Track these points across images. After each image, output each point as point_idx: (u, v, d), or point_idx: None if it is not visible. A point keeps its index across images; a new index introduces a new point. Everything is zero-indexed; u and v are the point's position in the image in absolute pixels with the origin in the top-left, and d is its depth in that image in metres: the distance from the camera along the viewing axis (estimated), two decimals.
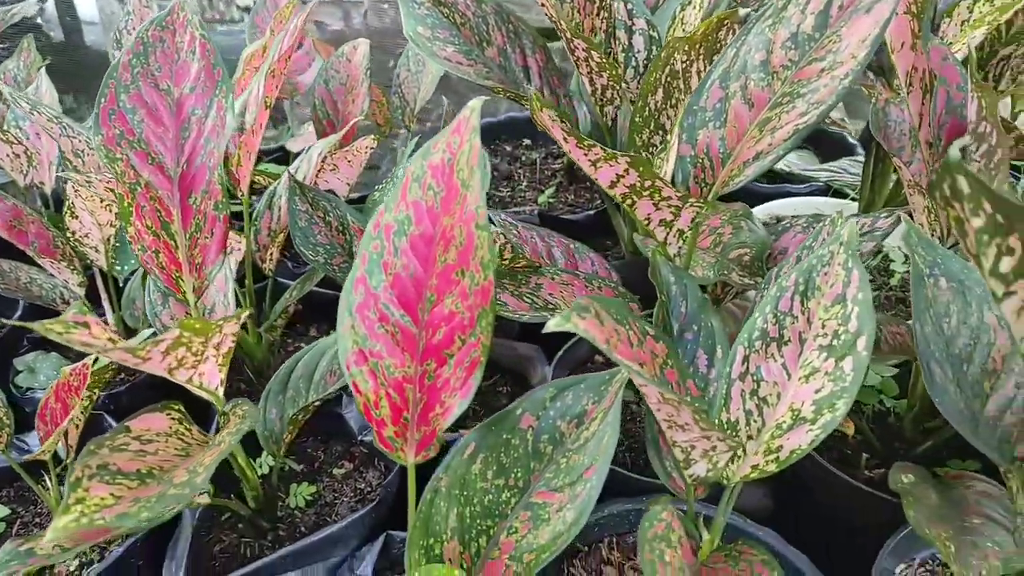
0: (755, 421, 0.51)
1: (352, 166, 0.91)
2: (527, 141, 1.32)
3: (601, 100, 0.84)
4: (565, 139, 0.51)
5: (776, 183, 1.13)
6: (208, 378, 0.50)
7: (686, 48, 0.69)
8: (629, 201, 0.56)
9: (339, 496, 0.72)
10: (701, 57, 0.70)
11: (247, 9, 3.00)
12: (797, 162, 1.19)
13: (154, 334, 0.56)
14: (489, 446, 0.48)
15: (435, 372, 0.43)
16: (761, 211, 1.01)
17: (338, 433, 0.78)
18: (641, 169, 0.51)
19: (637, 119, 0.76)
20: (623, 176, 0.53)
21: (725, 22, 0.66)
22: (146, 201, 0.53)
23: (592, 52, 0.76)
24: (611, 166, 0.52)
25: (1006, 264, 0.32)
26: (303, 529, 0.68)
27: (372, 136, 0.86)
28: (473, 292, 0.41)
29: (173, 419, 0.48)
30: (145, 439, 0.44)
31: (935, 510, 0.57)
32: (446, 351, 0.42)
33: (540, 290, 0.63)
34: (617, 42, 0.87)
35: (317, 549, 0.63)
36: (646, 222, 0.59)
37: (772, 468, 0.49)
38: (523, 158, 1.27)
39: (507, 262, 0.64)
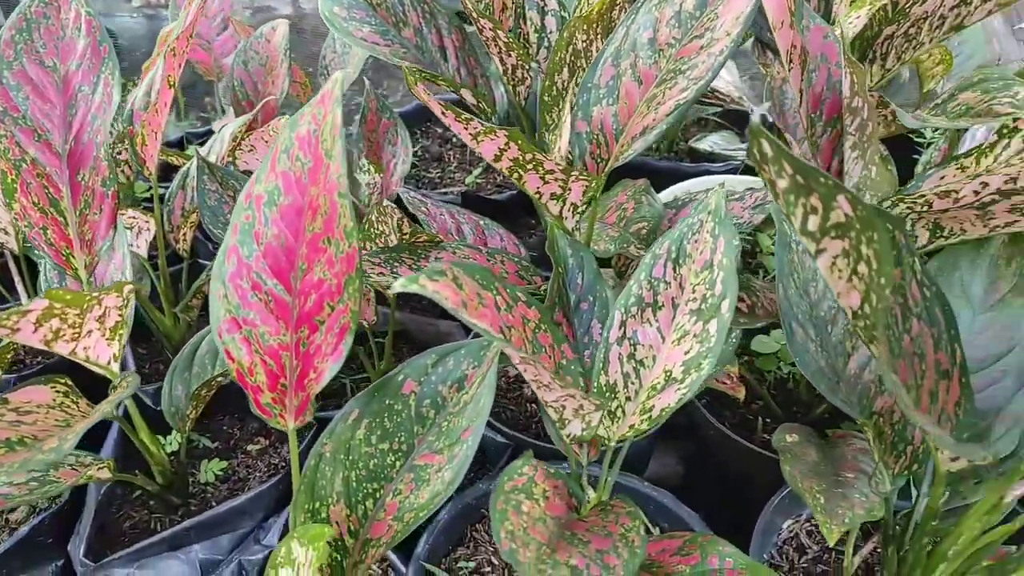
0: (633, 383, 0.54)
1: (270, 146, 0.91)
2: None
3: (513, 80, 0.86)
4: (443, 113, 0.53)
5: (699, 163, 1.16)
6: (97, 352, 0.51)
7: (585, 28, 0.71)
8: (516, 175, 0.58)
9: (253, 471, 0.73)
10: (599, 36, 0.71)
11: None
12: (720, 142, 1.22)
13: None
14: (373, 412, 0.50)
15: (308, 339, 0.44)
16: (679, 189, 1.04)
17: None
18: (519, 142, 0.53)
19: (546, 98, 0.78)
20: (505, 149, 0.54)
21: (617, 2, 0.68)
22: (32, 178, 0.53)
23: (498, 32, 0.77)
24: (492, 140, 0.53)
25: (813, 223, 0.34)
26: (215, 504, 0.69)
27: (287, 117, 0.87)
28: (339, 259, 0.42)
29: (58, 392, 0.49)
30: (23, 411, 0.45)
31: (813, 466, 0.60)
32: (317, 318, 0.44)
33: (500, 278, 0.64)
34: (529, 23, 0.89)
35: (224, 521, 0.64)
36: (537, 196, 0.61)
37: (645, 427, 0.52)
38: (454, 139, 1.29)
39: (407, 236, 0.65)
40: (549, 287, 0.63)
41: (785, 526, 0.68)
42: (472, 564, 0.63)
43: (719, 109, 1.10)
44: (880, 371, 0.35)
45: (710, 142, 1.21)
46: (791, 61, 0.64)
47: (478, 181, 1.17)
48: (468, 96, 0.90)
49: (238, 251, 0.44)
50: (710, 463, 0.84)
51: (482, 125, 0.52)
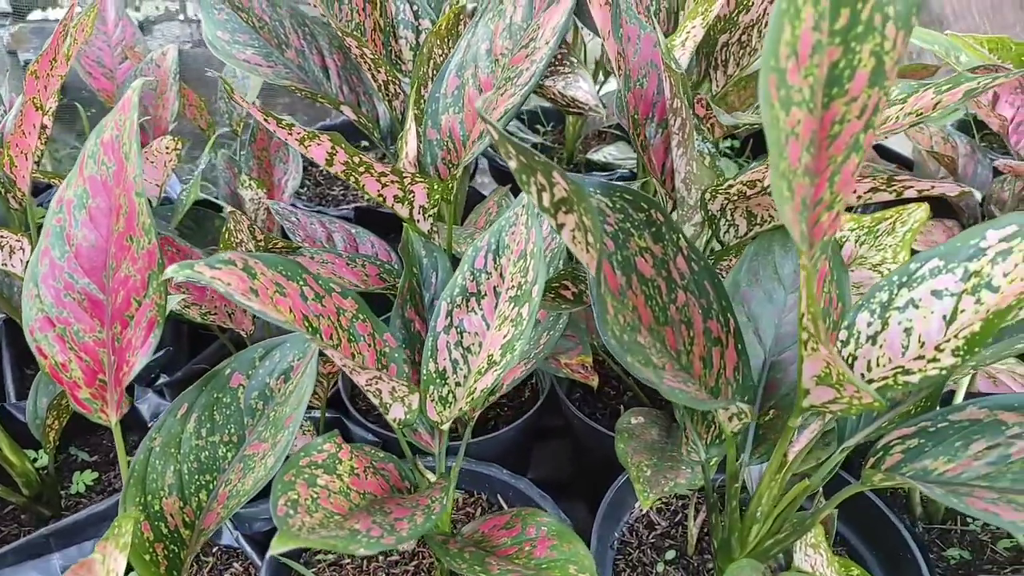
0: (461, 369, 0.57)
1: (156, 168, 0.93)
2: (364, 143, 1.36)
3: (387, 95, 0.89)
4: (265, 119, 0.56)
5: (591, 172, 1.21)
6: None
7: (439, 43, 0.75)
8: (353, 179, 0.61)
9: None
10: (451, 49, 0.75)
11: (141, 27, 2.94)
12: (615, 153, 1.27)
13: None
14: (202, 405, 0.52)
15: (121, 334, 0.47)
16: None
17: (132, 424, 0.81)
18: (344, 147, 0.56)
19: (415, 111, 0.82)
20: (333, 153, 0.57)
21: (460, 16, 0.72)
22: None
23: (364, 50, 0.81)
24: (318, 144, 0.56)
25: (546, 199, 0.38)
26: None
27: (170, 137, 0.89)
28: (141, 256, 0.45)
29: None
30: None
31: (649, 444, 0.64)
32: (127, 313, 0.46)
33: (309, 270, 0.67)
34: (404, 40, 0.92)
35: (87, 527, 0.65)
36: (380, 199, 0.64)
37: (467, 408, 0.55)
38: None
39: (261, 243, 0.68)
40: (400, 285, 0.66)
41: (636, 505, 0.71)
42: (331, 557, 0.65)
43: (616, 122, 1.15)
44: (619, 332, 0.38)
45: (605, 153, 1.26)
46: (618, 68, 0.68)
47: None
48: (349, 112, 0.94)
49: (50, 253, 0.46)
50: (585, 457, 0.87)
51: (305, 131, 0.55)
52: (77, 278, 0.46)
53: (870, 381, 0.44)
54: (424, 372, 0.56)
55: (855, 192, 0.54)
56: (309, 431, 0.73)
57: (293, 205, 1.10)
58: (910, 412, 0.50)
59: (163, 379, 0.94)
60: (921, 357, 0.41)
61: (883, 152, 1.17)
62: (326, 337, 0.48)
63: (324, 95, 0.92)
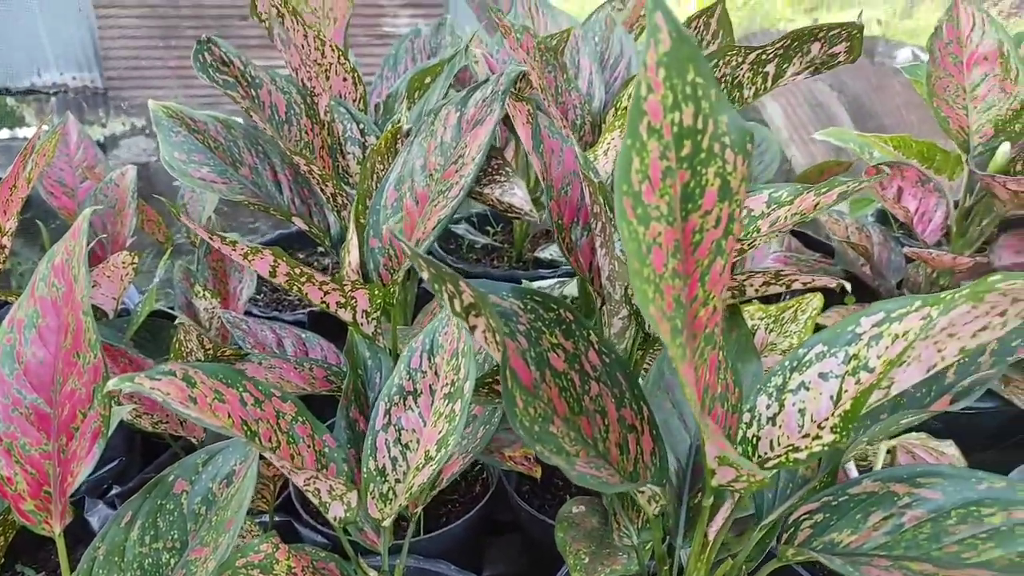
0: (400, 466, 0.59)
1: (113, 281, 0.96)
2: (320, 249, 1.41)
3: (336, 206, 0.95)
4: (211, 237, 0.60)
5: (536, 270, 1.27)
6: None
7: (379, 158, 0.81)
8: (297, 288, 0.65)
9: None
10: (391, 164, 0.81)
11: (108, 142, 3.02)
12: (559, 251, 1.34)
13: None
14: (146, 512, 0.54)
15: (67, 446, 0.49)
16: None
17: (82, 536, 0.80)
18: (285, 259, 0.60)
19: (361, 220, 0.87)
20: (276, 266, 0.62)
21: (397, 135, 0.78)
22: None
23: (312, 166, 0.87)
24: (261, 258, 0.61)
25: (457, 305, 0.42)
26: None
27: (127, 253, 0.93)
28: (87, 370, 0.48)
29: None
30: None
31: (589, 532, 0.66)
32: (72, 425, 0.49)
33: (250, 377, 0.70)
34: (351, 156, 0.99)
35: None
36: (324, 306, 0.68)
37: (406, 503, 0.57)
38: (315, 264, 1.36)
39: (210, 352, 0.71)
40: (345, 387, 0.69)
41: None
42: None
43: None
44: (529, 423, 0.42)
45: (551, 251, 1.32)
46: (543, 178, 0.74)
47: None
48: (300, 223, 0.99)
49: (0, 371, 0.49)
50: (536, 550, 0.88)
51: (248, 247, 0.60)
52: (26, 393, 0.49)
53: (769, 459, 0.47)
54: (364, 470, 0.59)
55: (752, 286, 0.59)
56: (257, 536, 0.74)
57: (248, 313, 1.13)
58: (815, 488, 0.54)
59: (115, 490, 0.94)
60: (807, 435, 0.45)
61: (808, 242, 1.25)
62: (265, 440, 0.51)
63: (277, 208, 0.98)
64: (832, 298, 1.01)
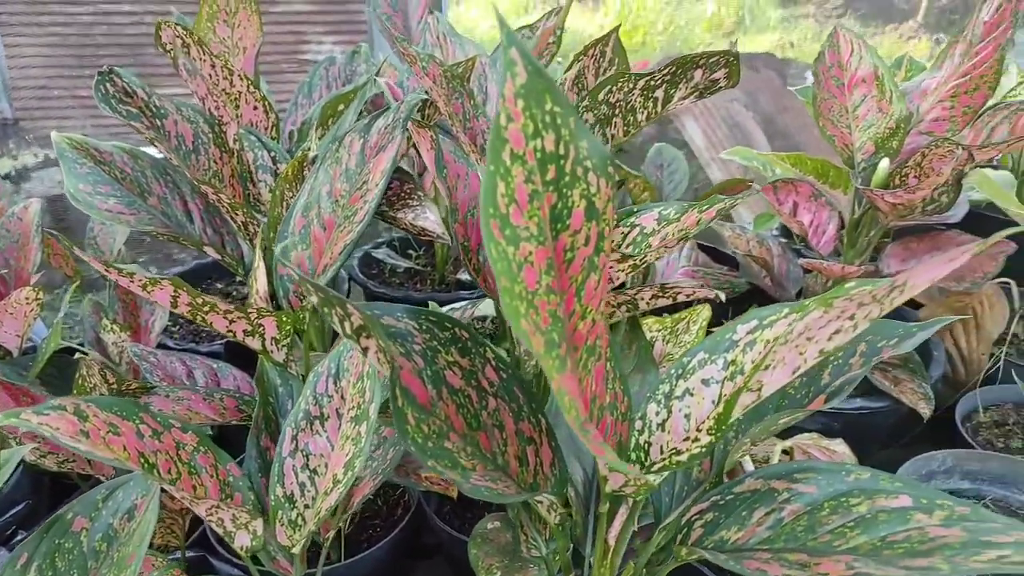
0: (309, 491, 0.60)
1: (16, 318, 0.93)
2: (238, 279, 1.39)
3: (247, 234, 0.95)
4: (107, 270, 0.60)
5: (457, 291, 1.28)
6: None
7: (287, 186, 0.82)
8: (200, 318, 0.65)
9: None
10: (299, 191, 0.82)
11: (19, 175, 2.91)
12: None
13: None
14: (43, 553, 0.53)
15: None
16: None
17: None
18: (186, 289, 0.60)
19: (272, 247, 0.87)
20: (176, 296, 0.62)
21: (303, 162, 0.79)
22: None
23: (220, 196, 0.87)
24: (160, 289, 0.61)
25: (348, 327, 0.43)
26: None
27: (30, 288, 0.90)
28: None
29: None
30: None
31: (503, 547, 0.67)
32: None
33: (149, 408, 0.69)
34: (263, 183, 0.99)
35: None
36: (231, 334, 0.68)
37: (313, 528, 0.57)
38: (234, 293, 1.35)
39: (114, 386, 0.70)
40: (255, 415, 0.69)
41: None
42: None
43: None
44: (422, 440, 0.43)
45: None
46: (449, 202, 0.76)
47: None
48: (212, 252, 0.98)
49: None
50: (461, 570, 0.88)
51: (146, 277, 0.59)
52: None
53: (655, 463, 0.50)
54: (272, 497, 0.59)
55: (643, 299, 0.62)
56: (158, 569, 0.72)
57: (162, 345, 1.11)
58: (706, 488, 0.57)
59: (20, 536, 0.90)
60: (688, 438, 0.48)
61: (717, 256, 1.30)
62: (164, 472, 0.50)
63: (187, 238, 0.97)
64: (740, 309, 1.06)
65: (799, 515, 0.50)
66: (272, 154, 1.00)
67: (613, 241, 0.70)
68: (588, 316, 0.43)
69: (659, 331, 0.71)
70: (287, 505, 0.59)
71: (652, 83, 0.74)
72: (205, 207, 1.01)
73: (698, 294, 0.59)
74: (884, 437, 1.06)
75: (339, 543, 0.83)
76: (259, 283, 0.72)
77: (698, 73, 0.71)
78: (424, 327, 0.49)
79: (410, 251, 1.49)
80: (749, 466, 0.72)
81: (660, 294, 0.60)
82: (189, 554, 0.75)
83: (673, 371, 0.53)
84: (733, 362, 0.50)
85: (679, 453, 0.48)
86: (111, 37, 2.73)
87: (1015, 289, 1.15)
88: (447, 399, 0.49)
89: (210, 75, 0.96)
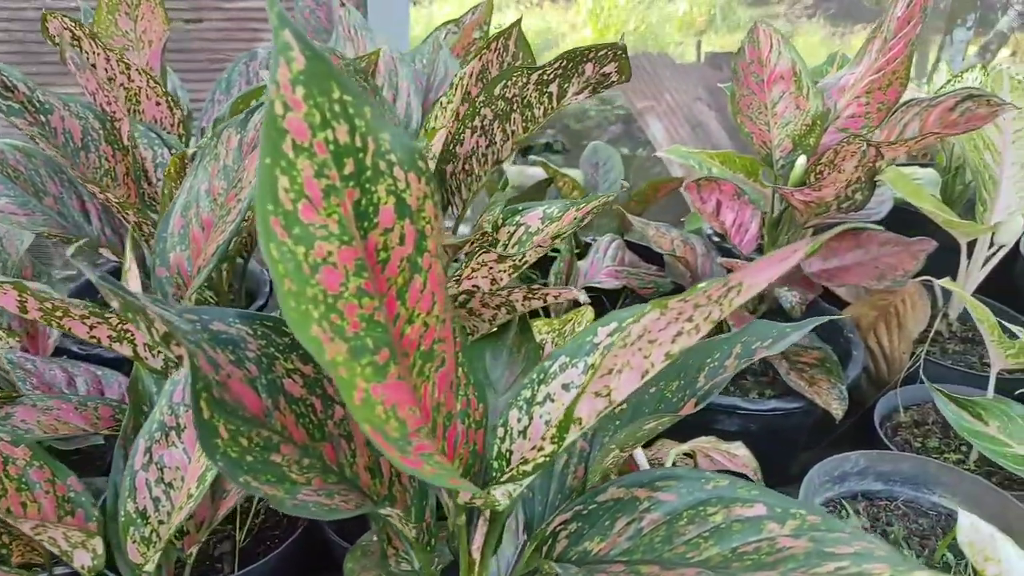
0: (164, 506, 0.56)
1: None
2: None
3: (142, 234, 0.91)
4: None
5: None
6: None
7: (174, 185, 0.78)
8: (56, 324, 0.61)
9: None
10: None
11: None
12: None
13: None
14: None
15: None
16: None
17: None
18: (31, 293, 0.57)
19: (135, 251, 0.84)
20: (24, 301, 0.58)
21: (184, 159, 0.76)
22: None
23: (108, 194, 0.83)
24: (4, 294, 0.57)
25: (155, 333, 0.40)
26: None
27: None
28: None
29: None
30: None
31: (380, 561, 0.65)
32: None
33: (11, 418, 0.65)
34: (161, 182, 0.95)
35: None
36: (96, 340, 0.65)
37: (173, 543, 0.54)
38: None
39: None
40: (124, 424, 0.65)
41: None
42: None
43: None
44: (239, 454, 0.41)
45: None
46: None
47: None
48: (109, 254, 0.94)
49: None
50: None
51: None
52: None
53: (504, 474, 0.47)
54: (123, 513, 0.56)
55: (517, 300, 0.60)
56: None
57: (65, 350, 1.06)
58: (572, 498, 0.54)
59: None
60: (535, 447, 0.46)
61: (648, 255, 1.29)
62: None
63: (84, 238, 0.93)
64: None
65: (658, 525, 0.48)
66: (173, 151, 0.96)
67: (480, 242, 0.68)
68: (417, 320, 0.40)
69: (548, 333, 0.69)
70: (140, 521, 0.55)
71: (545, 77, 0.71)
72: (104, 207, 0.97)
73: (565, 295, 0.57)
74: (804, 437, 1.05)
75: (233, 557, 0.80)
76: (131, 286, 0.68)
77: (589, 67, 0.69)
78: (259, 332, 0.46)
79: None
80: (642, 459, 0.70)
81: (530, 295, 0.58)
82: (59, 571, 0.71)
83: (535, 376, 0.51)
84: (593, 366, 0.48)
85: (526, 463, 0.46)
86: (6, 33, 2.64)
87: (937, 287, 1.15)
88: (285, 409, 0.46)
89: (106, 69, 0.92)
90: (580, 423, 0.45)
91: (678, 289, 1.12)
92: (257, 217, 0.32)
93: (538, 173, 1.47)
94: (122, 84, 0.93)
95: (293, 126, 0.32)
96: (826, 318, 0.55)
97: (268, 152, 0.32)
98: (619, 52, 0.66)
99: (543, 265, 1.35)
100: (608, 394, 0.45)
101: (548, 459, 0.44)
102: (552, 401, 0.49)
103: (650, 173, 2.74)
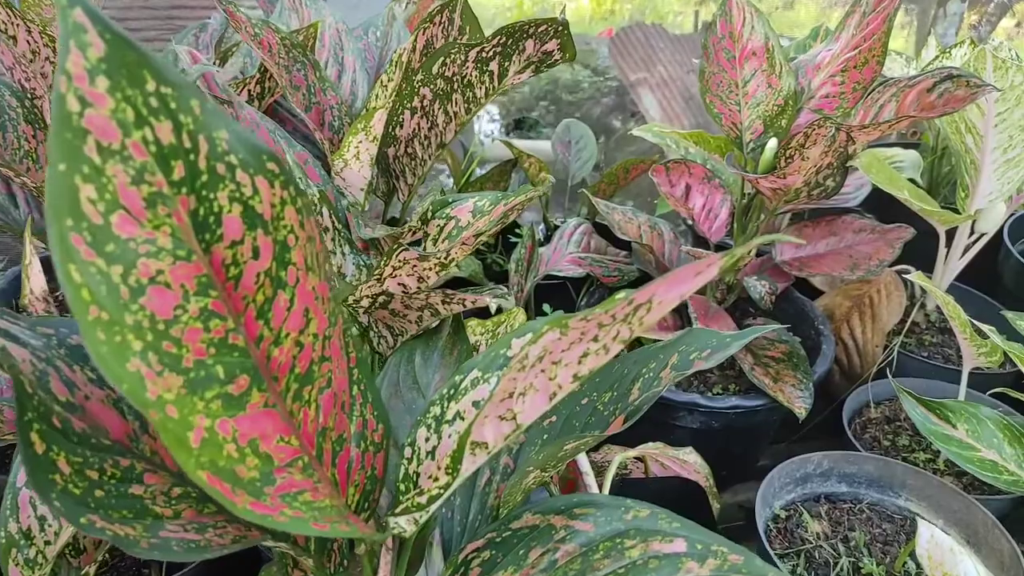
0: (51, 525, 0.52)
1: None
2: None
3: None
4: None
5: None
6: None
7: None
8: None
9: None
10: None
11: None
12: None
13: None
14: None
15: None
16: None
17: None
18: None
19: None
20: None
21: None
22: None
23: (24, 178, 0.78)
24: None
25: None
26: None
27: None
28: None
29: None
30: None
31: None
32: None
33: None
34: None
35: None
36: None
37: (47, 568, 0.50)
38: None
39: None
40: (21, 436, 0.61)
41: None
42: None
43: None
44: (84, 490, 0.36)
45: None
46: None
47: None
48: (37, 242, 0.89)
49: None
50: None
51: None
52: None
53: (400, 505, 0.43)
54: (4, 533, 0.51)
55: (436, 305, 0.55)
56: None
57: None
58: (493, 518, 0.50)
59: None
60: (431, 476, 0.41)
61: (618, 242, 1.24)
62: None
63: (10, 224, 0.88)
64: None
65: (573, 557, 0.43)
66: None
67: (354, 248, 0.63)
68: (286, 341, 0.35)
69: (483, 334, 0.64)
70: (23, 542, 0.51)
71: (484, 55, 0.66)
72: (32, 190, 0.92)
73: (480, 302, 0.52)
74: (771, 432, 1.01)
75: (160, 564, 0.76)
76: (32, 281, 0.63)
77: (530, 44, 0.63)
78: None
79: None
80: (593, 488, 0.66)
81: (447, 300, 0.53)
82: None
83: (445, 391, 0.46)
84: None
85: (421, 493, 0.41)
86: None
87: (915, 276, 1.11)
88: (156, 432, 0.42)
89: (28, 42, 0.86)
90: (486, 448, 0.41)
91: (644, 277, 1.08)
92: (50, 236, 0.27)
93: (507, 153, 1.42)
94: (47, 58, 0.87)
95: (96, 125, 0.27)
96: (768, 327, 0.50)
97: (62, 157, 0.26)
98: (560, 28, 0.61)
99: (509, 250, 1.30)
100: (514, 417, 0.40)
101: (443, 491, 0.40)
102: (462, 419, 0.45)
103: (641, 148, 2.67)
